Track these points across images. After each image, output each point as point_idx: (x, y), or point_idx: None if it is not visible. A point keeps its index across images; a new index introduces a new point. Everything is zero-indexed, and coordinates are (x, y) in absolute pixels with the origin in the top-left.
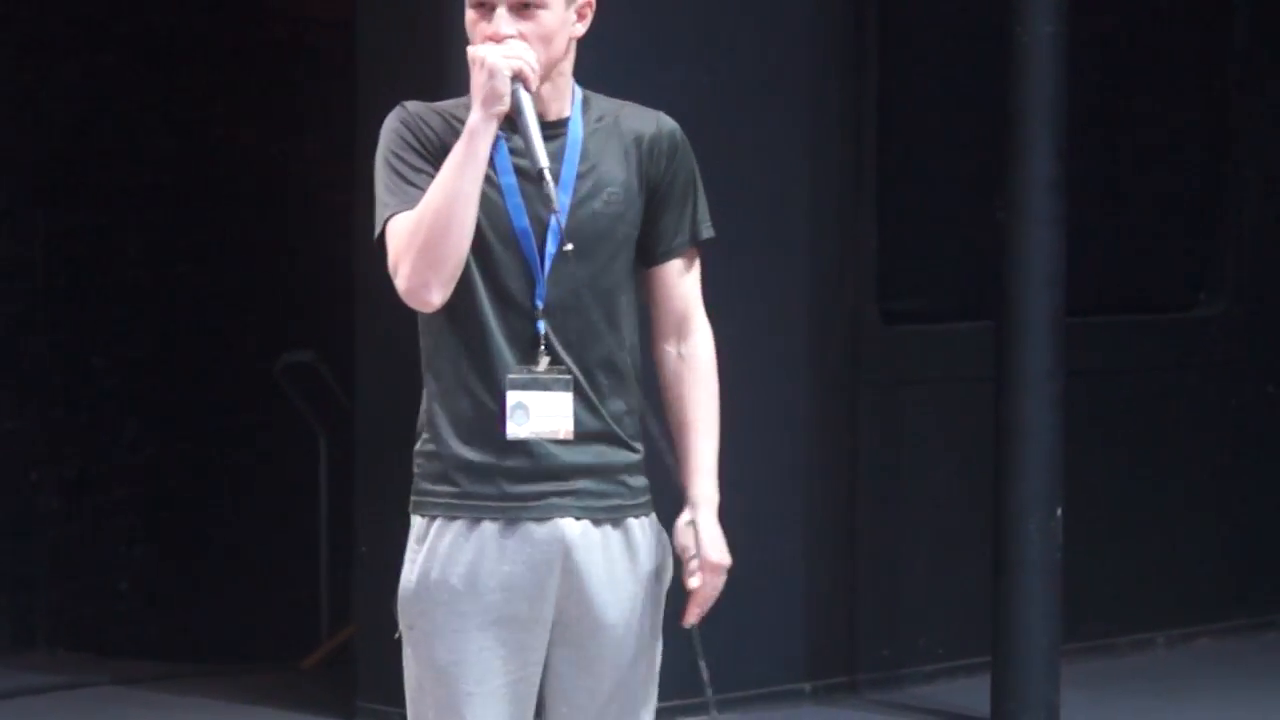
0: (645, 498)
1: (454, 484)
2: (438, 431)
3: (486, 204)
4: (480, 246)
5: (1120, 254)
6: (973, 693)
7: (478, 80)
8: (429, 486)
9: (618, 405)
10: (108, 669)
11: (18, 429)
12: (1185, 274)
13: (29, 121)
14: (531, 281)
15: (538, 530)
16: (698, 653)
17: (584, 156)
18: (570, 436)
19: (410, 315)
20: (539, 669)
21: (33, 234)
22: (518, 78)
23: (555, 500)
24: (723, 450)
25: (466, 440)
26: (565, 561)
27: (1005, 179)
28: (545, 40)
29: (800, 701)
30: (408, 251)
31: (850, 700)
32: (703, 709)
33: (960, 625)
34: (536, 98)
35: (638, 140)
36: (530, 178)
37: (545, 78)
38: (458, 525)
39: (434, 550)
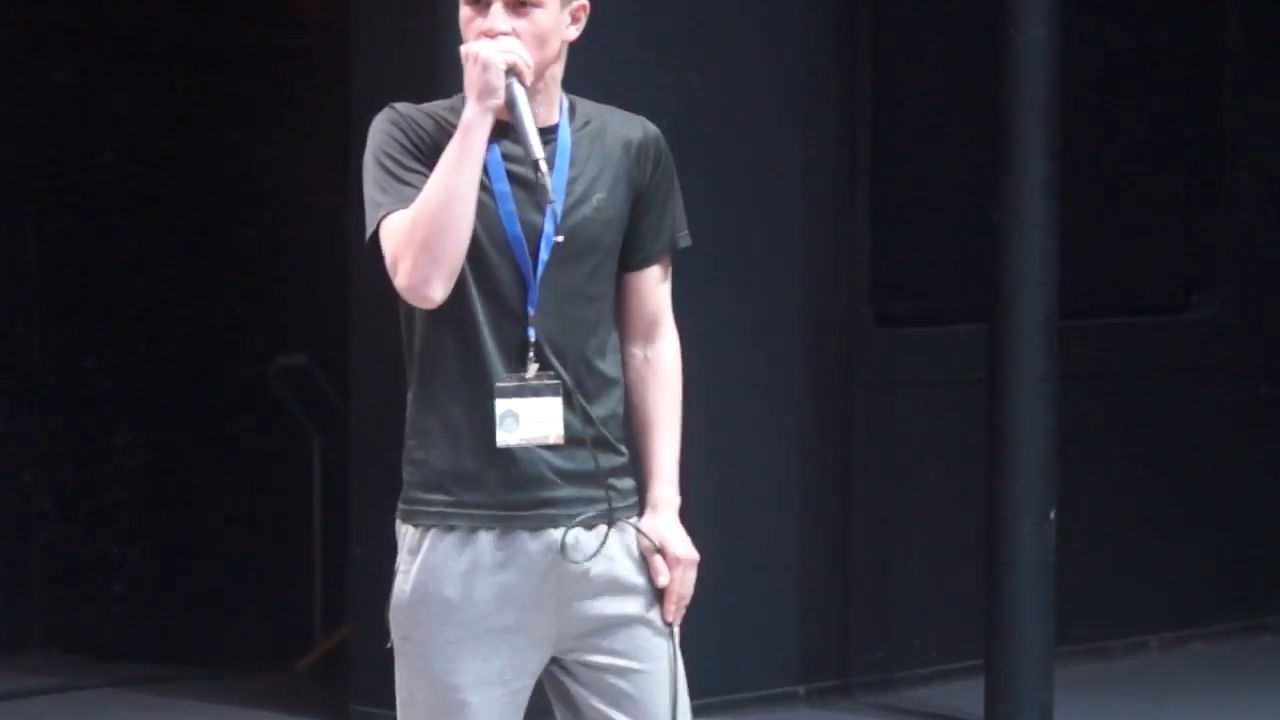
0: (634, 499)
1: (446, 493)
2: (428, 438)
3: (480, 209)
4: (474, 251)
5: (1114, 256)
6: (966, 695)
7: (472, 74)
8: (420, 495)
9: (604, 409)
10: (102, 671)
11: (12, 431)
12: (1179, 276)
13: (22, 124)
14: (524, 287)
15: (531, 542)
16: (675, 655)
17: (573, 163)
18: (561, 441)
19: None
20: (533, 680)
21: (26, 237)
22: (512, 71)
23: (548, 510)
24: (716, 453)
25: (457, 447)
26: (560, 569)
27: (999, 181)
28: (540, 40)
29: (794, 704)
30: (407, 248)
31: (844, 703)
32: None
33: (954, 628)
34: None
35: (626, 146)
36: (523, 183)
37: (538, 80)
38: (452, 537)
39: (427, 561)
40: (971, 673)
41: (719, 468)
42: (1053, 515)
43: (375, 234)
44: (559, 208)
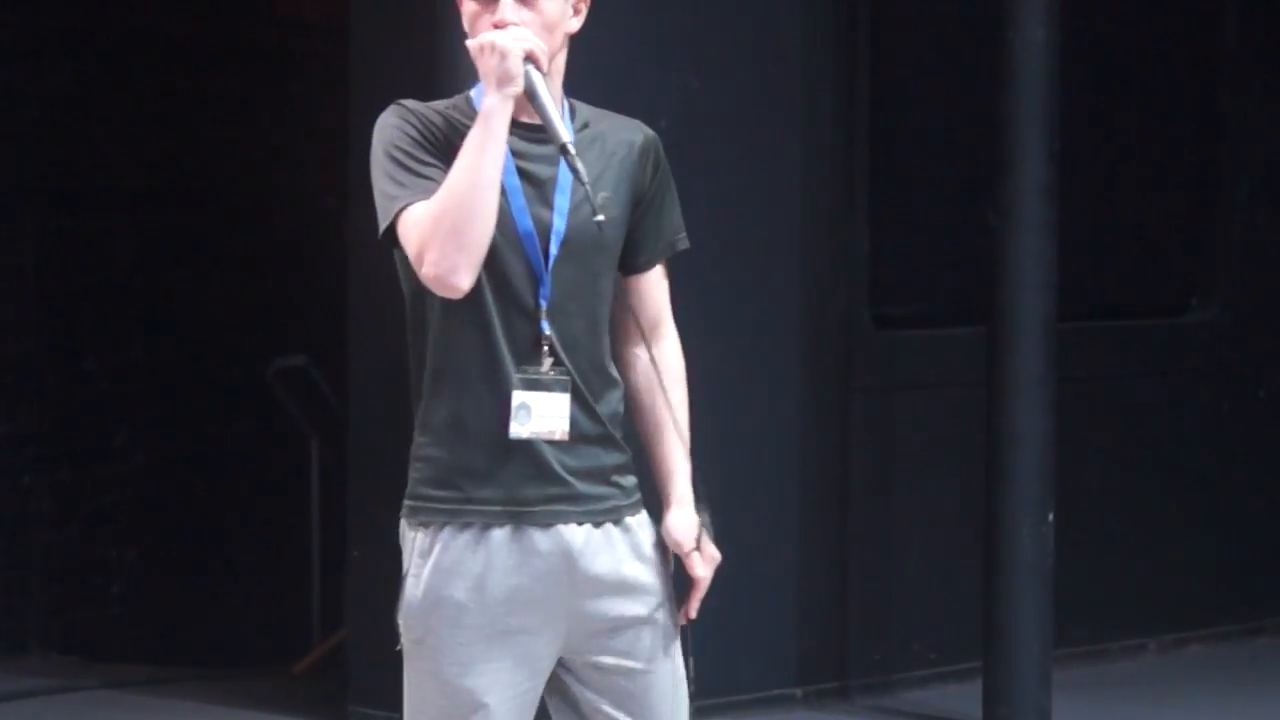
0: (637, 496)
1: (457, 489)
2: (439, 434)
3: None
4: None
5: (1112, 259)
6: (964, 698)
7: (489, 64)
8: (430, 492)
9: (609, 407)
10: (99, 672)
11: (10, 432)
12: (1177, 279)
13: (21, 124)
14: (535, 283)
15: (542, 539)
16: (689, 648)
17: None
18: (566, 438)
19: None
20: (544, 680)
21: (25, 237)
22: (529, 58)
23: (558, 506)
24: (715, 455)
25: (468, 443)
26: (571, 571)
27: (997, 184)
28: (548, 30)
29: (791, 706)
30: (433, 238)
31: (841, 705)
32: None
33: (952, 630)
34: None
35: (628, 148)
36: (532, 179)
37: (546, 71)
38: (464, 537)
39: (440, 564)
40: (969, 675)
41: (717, 469)
42: (1051, 518)
43: (390, 228)
44: (565, 205)
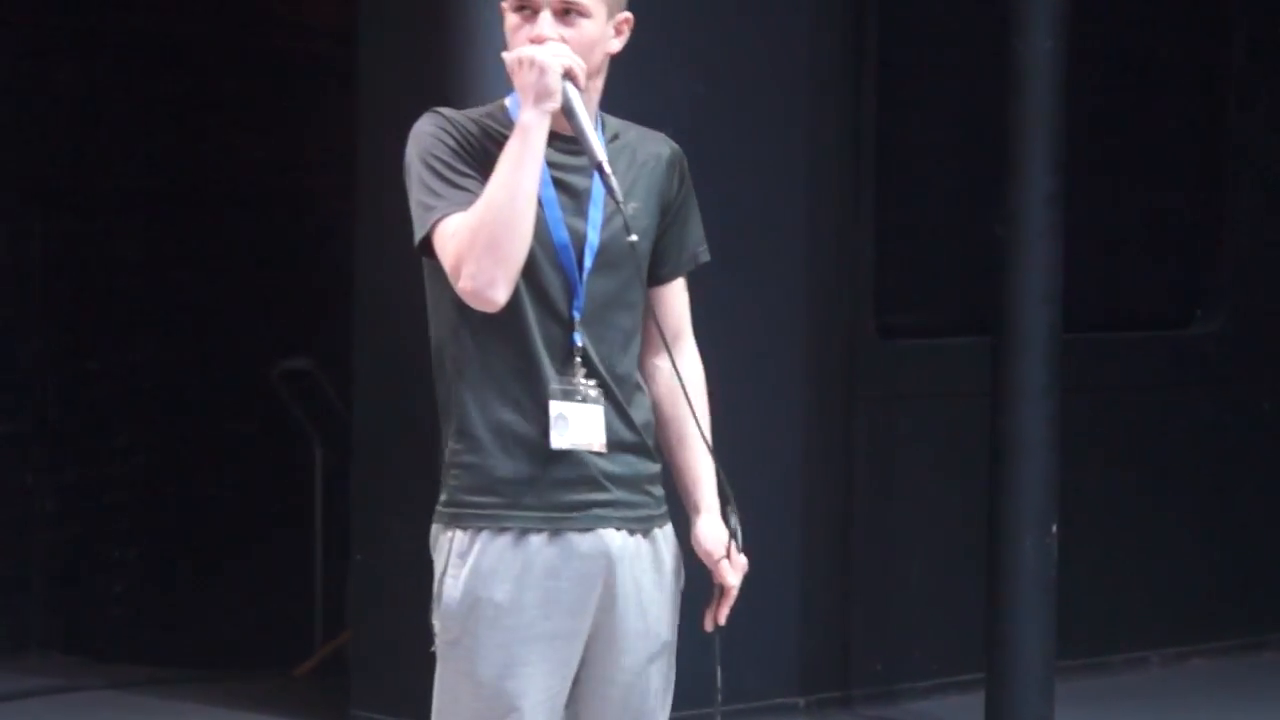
0: (664, 507)
1: (498, 495)
2: (477, 442)
3: None
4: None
5: (1117, 270)
6: (966, 709)
7: (527, 79)
8: (470, 499)
9: (641, 416)
10: (101, 673)
11: (14, 432)
12: (1182, 291)
13: (27, 126)
14: (569, 293)
15: (581, 542)
16: (717, 657)
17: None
18: (604, 449)
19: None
20: (571, 681)
21: (30, 238)
22: (567, 75)
23: (598, 511)
24: (719, 462)
25: (508, 450)
26: (608, 575)
27: (1003, 194)
28: (586, 48)
29: (794, 716)
30: (470, 251)
31: (843, 715)
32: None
33: (954, 641)
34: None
35: (655, 160)
36: (569, 190)
37: (583, 89)
38: (503, 539)
39: (479, 565)
40: (972, 686)
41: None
42: (1054, 529)
43: (426, 238)
44: (598, 217)
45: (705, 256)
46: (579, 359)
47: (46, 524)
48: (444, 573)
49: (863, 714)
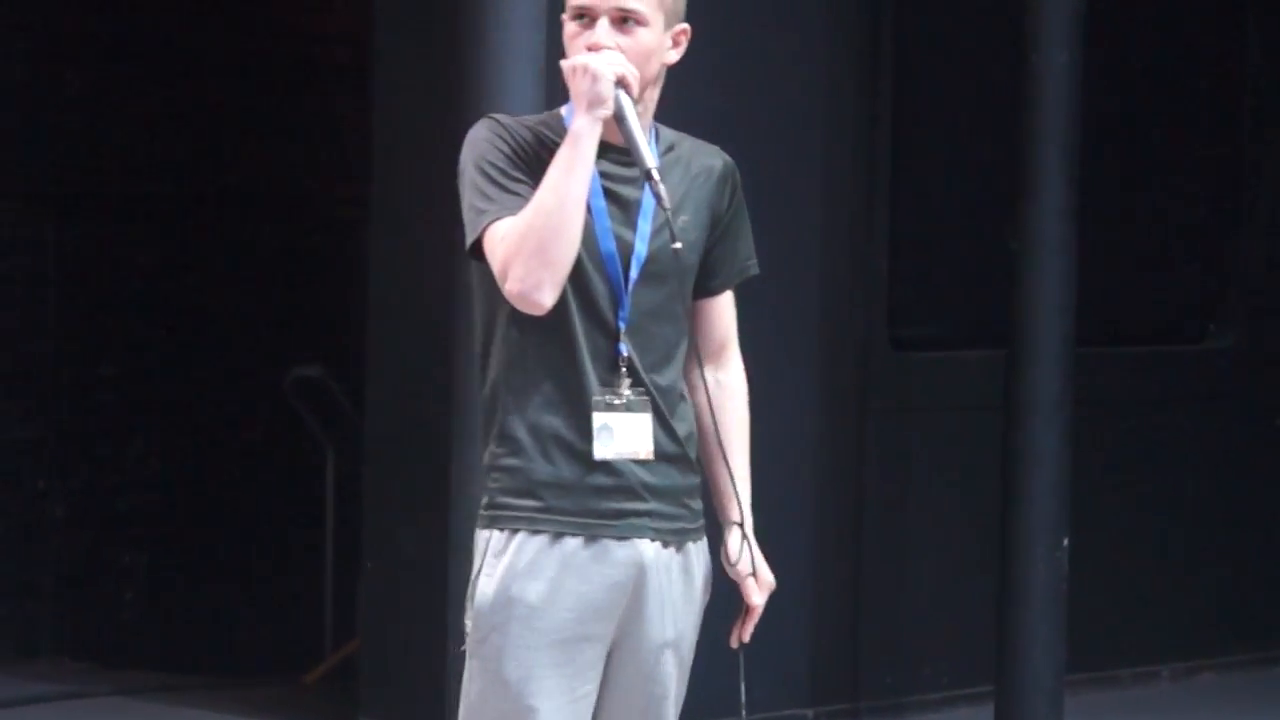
0: (701, 521)
1: (538, 499)
2: (520, 446)
3: None
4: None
5: (1131, 284)
6: None
7: (580, 86)
8: (509, 501)
9: (684, 428)
10: (111, 679)
11: (26, 437)
12: (1195, 305)
13: (41, 131)
14: (616, 302)
15: (617, 550)
16: (742, 673)
17: (662, 182)
18: (650, 457)
19: (420, 331)
20: (598, 685)
21: (43, 244)
22: (620, 83)
23: (634, 520)
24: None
25: (549, 456)
26: (640, 584)
27: (1017, 207)
28: (642, 57)
29: None
30: (519, 254)
31: None
32: None
33: (964, 654)
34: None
35: (708, 173)
36: (618, 201)
37: (639, 98)
38: (539, 540)
39: (514, 564)
40: (981, 699)
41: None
42: (1065, 542)
43: (476, 241)
44: (647, 228)
45: (754, 269)
46: (624, 368)
47: (57, 529)
48: (479, 572)
49: None
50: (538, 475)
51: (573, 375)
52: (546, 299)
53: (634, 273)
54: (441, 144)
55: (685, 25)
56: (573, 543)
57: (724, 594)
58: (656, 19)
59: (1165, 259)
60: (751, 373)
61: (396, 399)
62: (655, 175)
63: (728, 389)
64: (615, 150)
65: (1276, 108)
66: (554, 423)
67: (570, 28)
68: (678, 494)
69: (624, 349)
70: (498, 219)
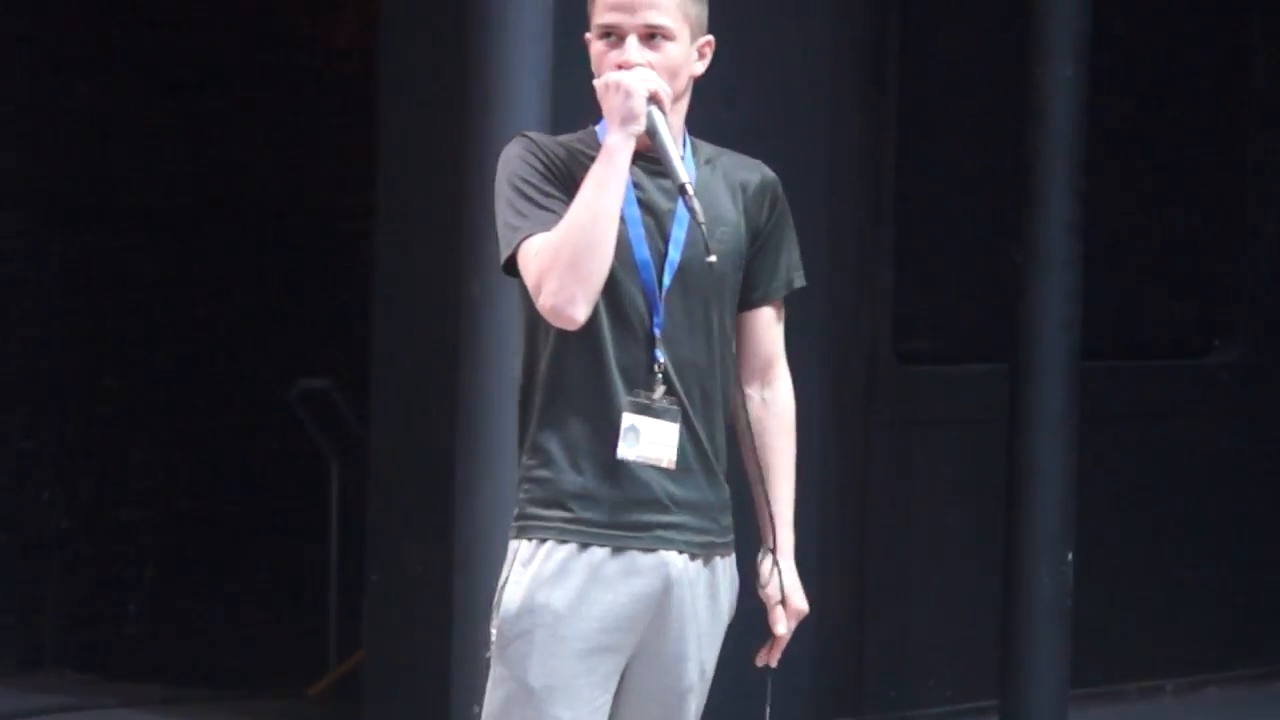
0: (731, 536)
1: (566, 509)
2: (550, 457)
3: None
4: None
5: (1135, 298)
6: None
7: (613, 102)
8: (538, 511)
9: (716, 440)
10: (114, 691)
11: (31, 449)
12: (1200, 319)
13: (46, 142)
14: (649, 310)
15: (644, 560)
16: (767, 696)
17: (697, 196)
18: (672, 466)
19: (426, 344)
20: (612, 696)
21: (48, 255)
22: (652, 99)
23: (661, 532)
24: (735, 486)
25: (578, 466)
26: (665, 596)
27: (1022, 221)
28: (671, 72)
29: None
30: (552, 269)
31: None
32: None
33: (969, 668)
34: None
35: (744, 187)
36: (651, 211)
37: (669, 111)
38: (567, 549)
39: (540, 573)
40: (986, 713)
41: (736, 501)
42: (1070, 557)
43: (511, 257)
44: (682, 237)
45: (800, 282)
46: (659, 375)
47: (61, 541)
48: (506, 580)
49: None
50: (566, 486)
51: (603, 385)
52: (580, 314)
53: (667, 280)
54: (447, 157)
55: (709, 37)
56: (600, 553)
57: (742, 612)
58: (683, 33)
59: (1170, 273)
60: None
61: (401, 412)
62: (689, 190)
63: (772, 407)
64: (647, 159)
65: None
66: (584, 433)
67: (597, 47)
68: (707, 507)
69: (659, 356)
70: (531, 235)
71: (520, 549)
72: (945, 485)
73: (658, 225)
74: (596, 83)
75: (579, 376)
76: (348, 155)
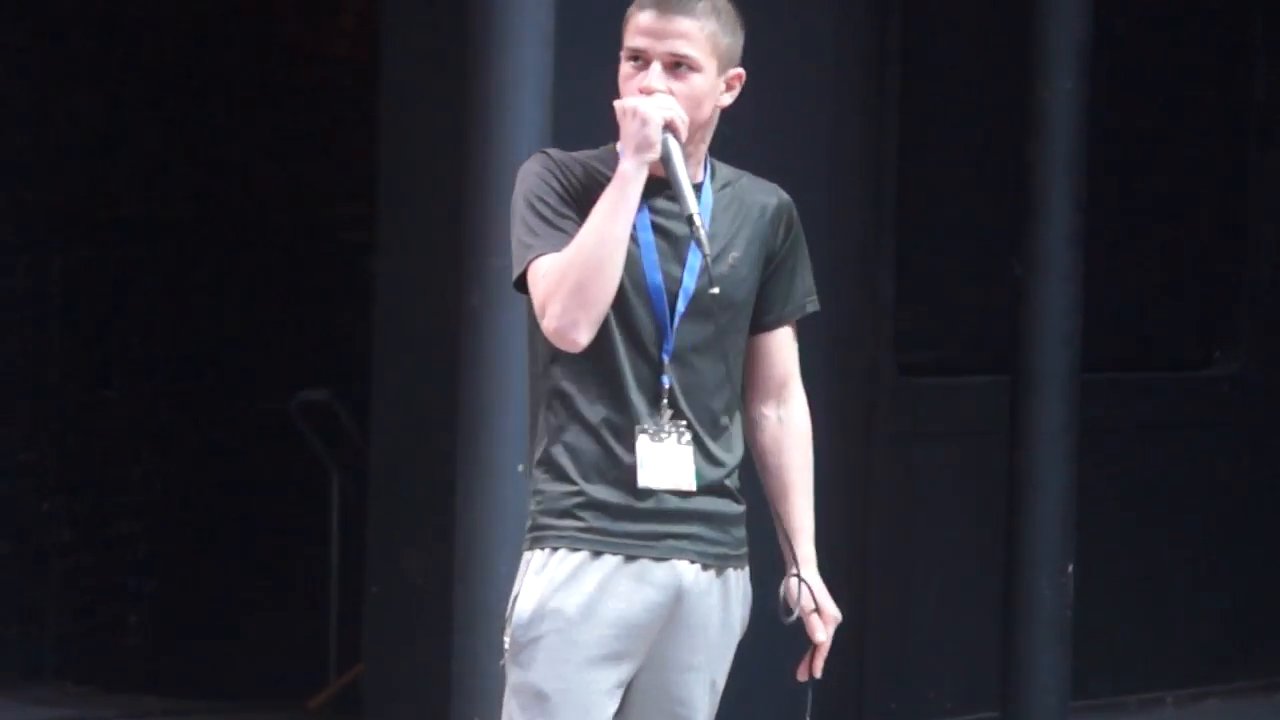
0: (744, 549)
1: (578, 519)
2: (562, 471)
3: (626, 257)
4: (618, 297)
5: (1136, 310)
6: None
7: (630, 128)
8: (550, 521)
9: (730, 458)
10: (114, 703)
11: (31, 460)
12: (1200, 331)
13: (47, 154)
14: (661, 334)
15: (655, 569)
16: (807, 708)
17: (713, 221)
18: (692, 489)
19: (426, 356)
20: (619, 703)
21: (49, 267)
22: (669, 127)
23: (673, 542)
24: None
25: (589, 479)
26: (677, 606)
27: (1023, 233)
28: (694, 102)
29: None
30: (557, 291)
31: None
32: None
33: (969, 680)
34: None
35: (762, 210)
36: (667, 236)
37: (689, 141)
38: (579, 556)
39: (553, 579)
40: None
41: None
42: (1070, 568)
43: (522, 275)
44: (698, 263)
45: (814, 306)
46: (666, 400)
47: (61, 553)
48: (519, 591)
49: None
50: (578, 497)
51: (617, 404)
52: (582, 337)
53: (680, 307)
54: (447, 168)
55: (739, 70)
56: (612, 560)
57: (751, 625)
58: (710, 64)
59: (1171, 285)
60: None
61: (402, 423)
62: (697, 221)
63: (788, 426)
64: (666, 186)
65: None
66: (595, 449)
67: (625, 68)
68: (719, 519)
69: (667, 381)
70: (541, 255)
71: (533, 559)
72: (946, 496)
73: (673, 251)
74: (616, 105)
75: (593, 395)
76: (348, 166)
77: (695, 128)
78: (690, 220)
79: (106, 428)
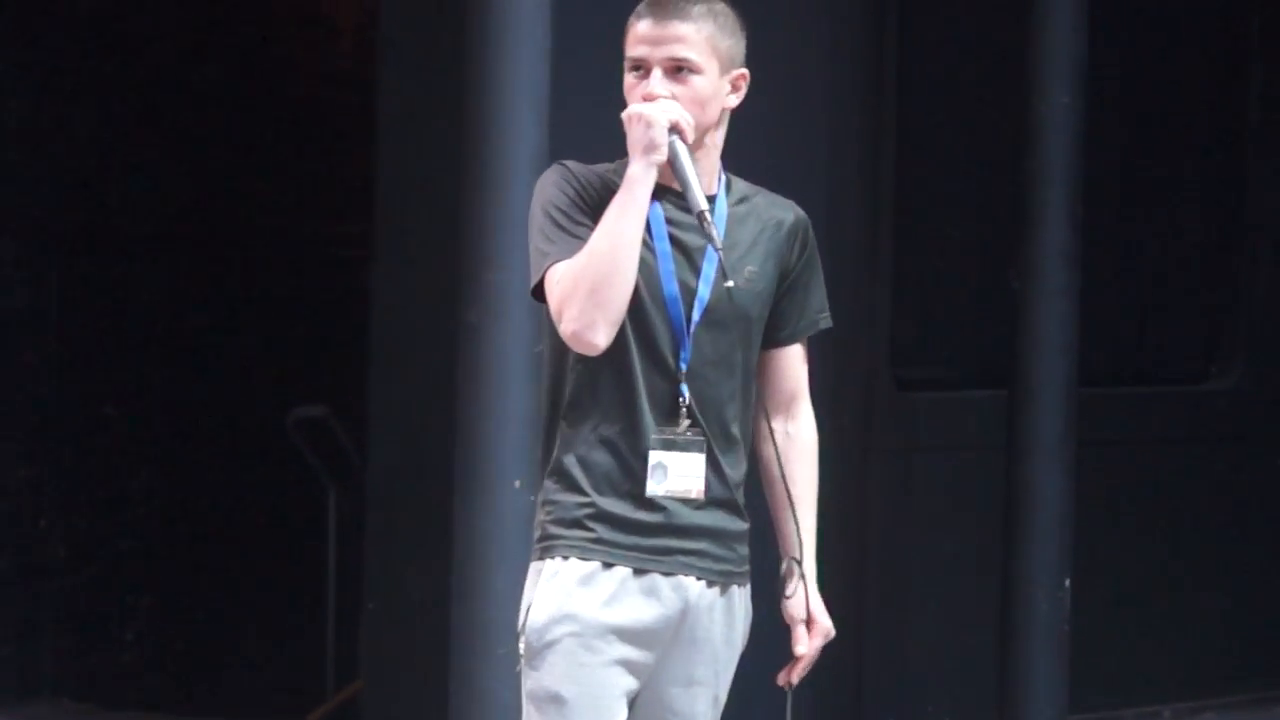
0: (747, 566)
1: (588, 530)
2: (574, 481)
3: (642, 266)
4: (633, 306)
5: (1133, 324)
6: None
7: (635, 133)
8: (561, 531)
9: (737, 473)
10: None
11: (27, 476)
12: (1198, 346)
13: (44, 169)
14: (677, 345)
15: (663, 584)
16: (787, 716)
17: (727, 233)
18: (701, 497)
19: (423, 371)
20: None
21: (47, 282)
22: (674, 129)
23: (681, 558)
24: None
25: (601, 491)
26: (682, 621)
27: (1020, 247)
28: (698, 105)
29: None
30: (573, 295)
31: None
32: None
33: (967, 693)
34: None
35: (777, 226)
36: (682, 246)
37: (697, 145)
38: (591, 565)
39: (566, 584)
40: None
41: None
42: (1068, 582)
43: (540, 282)
44: (712, 273)
45: (826, 323)
46: (684, 410)
47: (59, 569)
48: (532, 599)
49: None
50: (589, 510)
51: (631, 415)
52: (600, 340)
53: (696, 316)
54: (445, 183)
55: (744, 70)
56: (622, 571)
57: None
58: (711, 66)
59: (1168, 299)
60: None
61: (399, 439)
62: (707, 216)
63: (796, 441)
64: (681, 197)
65: (1278, 147)
66: (607, 459)
67: (629, 79)
68: (726, 536)
69: (684, 391)
70: (557, 261)
71: (545, 567)
72: (943, 510)
73: (688, 261)
74: (621, 114)
75: (607, 405)
76: (345, 182)
77: (702, 129)
78: (700, 216)
79: (104, 444)
